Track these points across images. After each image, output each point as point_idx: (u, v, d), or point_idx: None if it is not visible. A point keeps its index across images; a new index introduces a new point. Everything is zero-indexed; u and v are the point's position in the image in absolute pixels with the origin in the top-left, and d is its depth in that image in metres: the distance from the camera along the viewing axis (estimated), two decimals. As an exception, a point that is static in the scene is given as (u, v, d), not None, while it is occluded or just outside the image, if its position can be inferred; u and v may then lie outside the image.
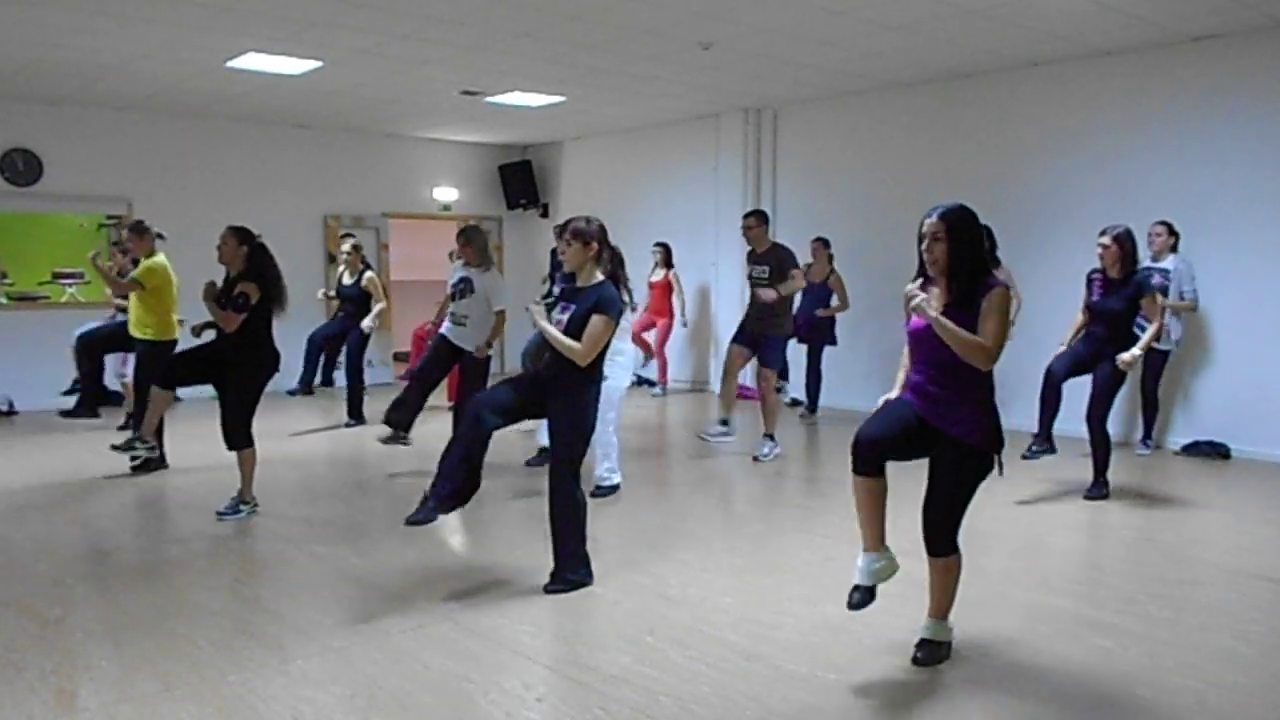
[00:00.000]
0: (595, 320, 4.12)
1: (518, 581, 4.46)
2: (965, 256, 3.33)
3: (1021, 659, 3.48)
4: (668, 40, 7.45)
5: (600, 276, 4.29)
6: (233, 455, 5.69)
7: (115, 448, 5.97)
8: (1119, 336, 5.73)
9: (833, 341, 9.23)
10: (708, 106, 10.35)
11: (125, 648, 3.70)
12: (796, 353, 9.34)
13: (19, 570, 4.70)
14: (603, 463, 5.96)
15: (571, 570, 4.31)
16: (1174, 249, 7.19)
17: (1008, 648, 3.63)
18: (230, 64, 8.07)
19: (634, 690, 3.31)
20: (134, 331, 6.79)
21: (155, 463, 6.68)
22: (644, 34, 7.25)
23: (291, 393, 8.79)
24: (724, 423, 7.41)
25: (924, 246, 3.36)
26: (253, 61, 7.99)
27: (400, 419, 6.69)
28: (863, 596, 3.46)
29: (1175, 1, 6.48)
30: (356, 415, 8.79)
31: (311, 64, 8.10)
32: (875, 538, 3.45)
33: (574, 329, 4.15)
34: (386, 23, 6.89)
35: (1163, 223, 7.15)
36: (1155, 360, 7.12)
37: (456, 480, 4.18)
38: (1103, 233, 5.79)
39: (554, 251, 11.34)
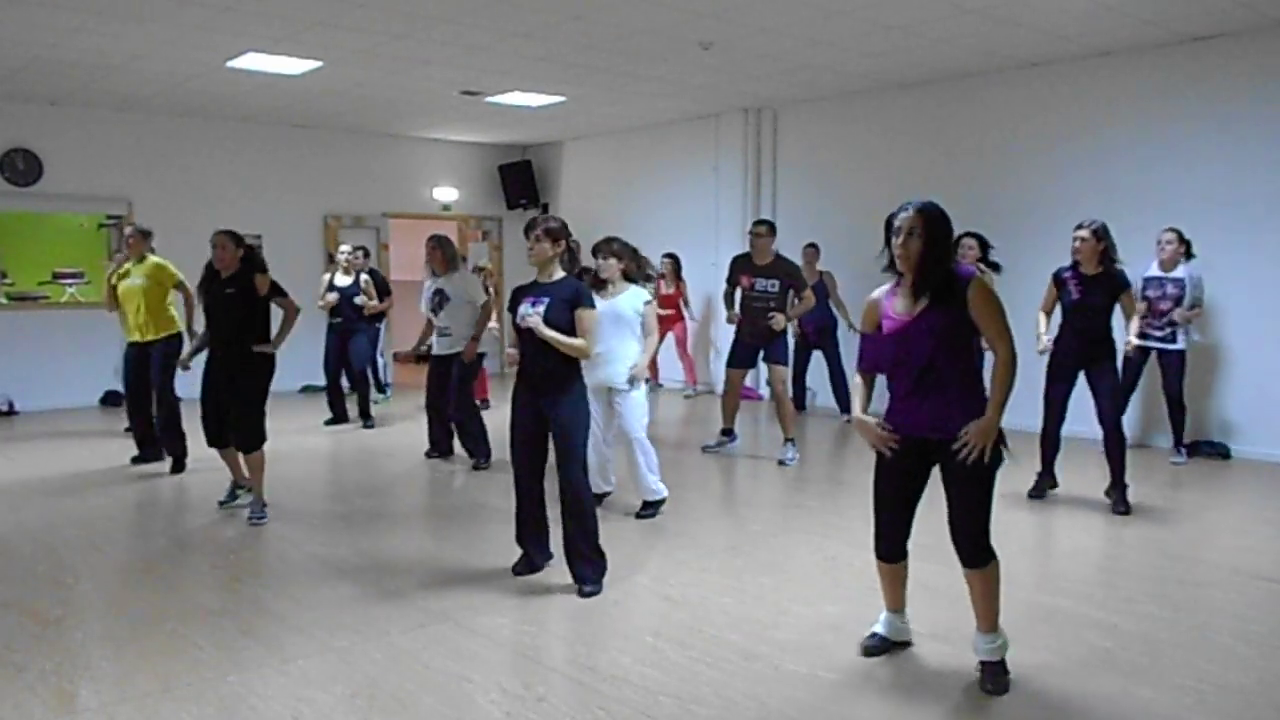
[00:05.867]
0: (584, 314, 4.28)
1: (518, 581, 4.45)
2: (939, 254, 3.24)
3: (1022, 659, 3.46)
4: (668, 40, 7.45)
5: (561, 273, 4.38)
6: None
7: (222, 504, 5.87)
8: (1104, 336, 5.65)
9: (836, 344, 9.22)
10: (708, 106, 10.35)
11: (125, 648, 3.70)
12: (818, 362, 9.37)
13: (19, 570, 4.70)
14: (644, 478, 5.64)
15: (599, 567, 4.33)
16: (1187, 255, 6.92)
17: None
18: (230, 64, 8.07)
19: (634, 690, 3.31)
20: (151, 336, 6.88)
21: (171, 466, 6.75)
22: (644, 34, 7.25)
23: (329, 422, 8.91)
24: (726, 432, 7.45)
25: (899, 241, 3.24)
26: (253, 61, 7.99)
27: (441, 449, 7.37)
28: (877, 644, 3.62)
29: (1175, 1, 6.48)
30: (367, 415, 8.87)
31: (311, 64, 8.10)
32: (897, 601, 3.62)
33: (553, 323, 4.23)
34: (386, 23, 6.89)
35: (1173, 229, 6.90)
36: (1173, 361, 6.97)
37: (527, 535, 4.55)
38: (1079, 226, 5.67)
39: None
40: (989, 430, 3.17)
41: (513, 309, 4.38)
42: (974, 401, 3.26)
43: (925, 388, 3.28)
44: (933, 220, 3.24)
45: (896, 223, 3.27)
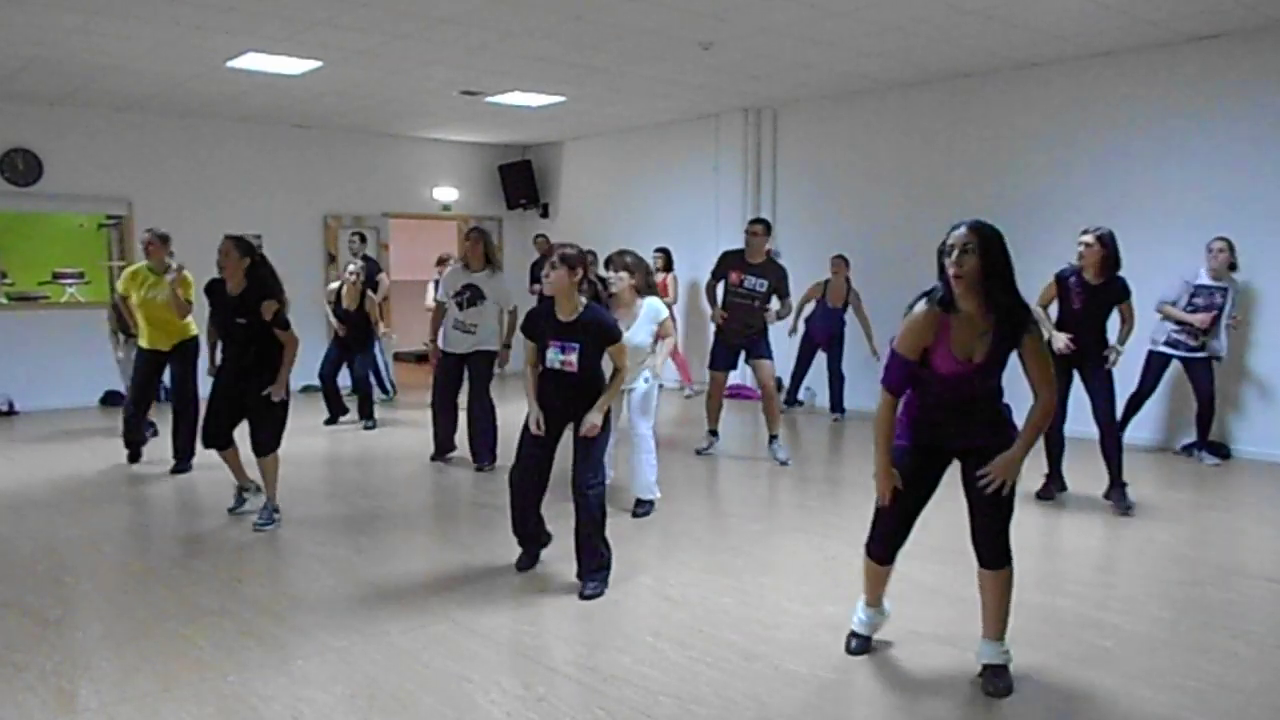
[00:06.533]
0: (616, 349, 4.33)
1: (518, 581, 4.46)
2: (1000, 274, 3.07)
3: (1022, 659, 3.46)
4: (668, 40, 7.45)
5: (584, 302, 4.35)
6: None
7: (232, 510, 5.79)
8: (1098, 339, 5.64)
9: (841, 348, 9.27)
10: (708, 106, 10.35)
11: (125, 647, 3.70)
12: (818, 362, 9.39)
13: (19, 570, 4.70)
14: (645, 475, 5.67)
15: (606, 561, 4.35)
16: (1232, 267, 6.79)
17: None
18: (230, 64, 8.07)
19: (634, 690, 3.31)
20: (176, 340, 6.87)
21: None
22: (644, 34, 7.25)
23: (329, 421, 8.94)
24: (712, 432, 7.48)
25: (952, 258, 3.06)
26: (253, 61, 7.99)
27: (444, 445, 7.29)
28: (860, 644, 3.63)
29: (1175, 1, 6.48)
30: (369, 415, 8.88)
31: (311, 64, 8.10)
32: (877, 597, 3.62)
33: (588, 363, 4.27)
34: (386, 23, 6.89)
35: (1223, 238, 6.78)
36: (1202, 366, 6.88)
37: (526, 540, 4.60)
38: (1085, 231, 5.58)
39: (535, 265, 11.36)
40: (1015, 467, 3.18)
41: (530, 335, 4.36)
42: (997, 415, 3.28)
43: (960, 408, 3.26)
44: (988, 236, 3.08)
45: (950, 241, 3.11)
